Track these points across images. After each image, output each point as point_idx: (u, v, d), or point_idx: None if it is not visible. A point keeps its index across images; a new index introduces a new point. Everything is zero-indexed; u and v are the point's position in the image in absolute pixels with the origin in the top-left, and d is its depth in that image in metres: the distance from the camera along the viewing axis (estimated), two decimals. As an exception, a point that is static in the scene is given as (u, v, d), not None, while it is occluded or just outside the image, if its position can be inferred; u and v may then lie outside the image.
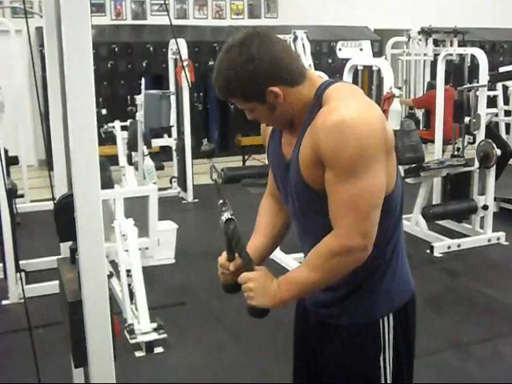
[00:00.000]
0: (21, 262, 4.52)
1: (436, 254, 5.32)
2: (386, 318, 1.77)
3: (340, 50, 6.03)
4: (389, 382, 1.80)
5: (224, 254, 1.85)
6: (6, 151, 5.36)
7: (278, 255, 5.16)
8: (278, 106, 1.66)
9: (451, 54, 6.12)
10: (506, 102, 8.92)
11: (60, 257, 2.16)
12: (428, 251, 5.35)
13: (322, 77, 1.82)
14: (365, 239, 1.60)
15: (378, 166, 1.59)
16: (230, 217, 1.76)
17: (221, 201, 1.80)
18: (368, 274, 1.75)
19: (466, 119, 5.71)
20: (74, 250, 1.92)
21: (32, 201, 6.58)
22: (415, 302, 1.86)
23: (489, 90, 6.12)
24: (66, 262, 2.04)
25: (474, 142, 5.63)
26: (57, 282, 2.13)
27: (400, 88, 9.17)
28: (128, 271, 3.94)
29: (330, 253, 1.62)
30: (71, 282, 1.89)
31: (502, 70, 6.86)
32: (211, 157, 1.93)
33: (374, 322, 1.77)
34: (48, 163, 2.71)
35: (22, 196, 6.43)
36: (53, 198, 2.22)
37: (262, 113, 1.69)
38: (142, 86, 6.25)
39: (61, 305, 2.01)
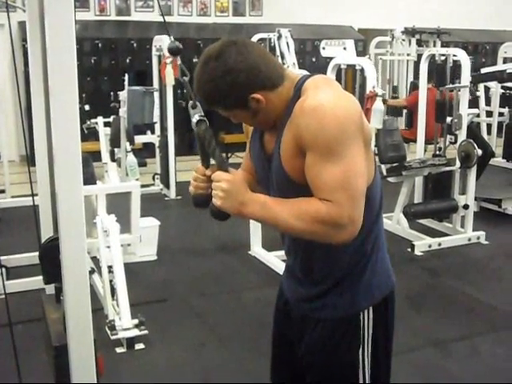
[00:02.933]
0: (1, 258, 4.49)
1: (417, 252, 5.36)
2: (366, 312, 1.80)
3: (324, 48, 6.06)
4: (367, 375, 1.82)
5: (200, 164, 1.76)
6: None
7: (260, 252, 5.18)
8: (261, 110, 1.68)
9: (434, 55, 6.16)
10: (488, 103, 9.00)
11: (45, 294, 2.14)
12: (409, 250, 5.39)
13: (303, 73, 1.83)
14: (352, 224, 1.58)
15: (357, 149, 1.60)
16: (200, 118, 1.70)
17: (190, 102, 1.72)
18: (349, 268, 1.78)
19: (448, 119, 5.76)
20: (59, 289, 1.90)
21: (13, 196, 6.53)
22: (394, 297, 1.89)
23: (471, 90, 6.18)
24: (51, 300, 2.02)
25: (455, 141, 5.68)
26: (37, 278, 2.13)
27: (395, 87, 9.20)
28: (110, 267, 3.93)
29: (318, 217, 1.57)
30: (56, 324, 1.88)
31: (483, 70, 6.91)
32: (177, 55, 1.84)
33: (354, 315, 1.80)
34: (27, 159, 2.71)
35: (2, 192, 6.39)
36: (32, 194, 2.21)
37: (246, 118, 1.72)
38: (126, 82, 6.24)
39: (46, 346, 2.00)
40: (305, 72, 4.17)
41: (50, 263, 1.85)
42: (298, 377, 1.96)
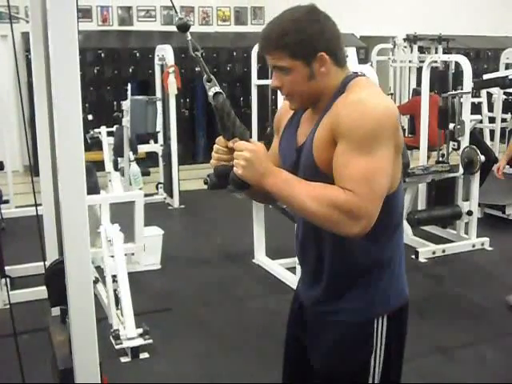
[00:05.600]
0: (6, 268, 4.50)
1: (421, 259, 5.35)
2: (380, 319, 1.79)
3: (326, 56, 6.06)
4: (376, 382, 1.81)
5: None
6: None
7: (263, 261, 5.18)
8: (317, 76, 1.69)
9: (436, 61, 6.17)
10: (491, 109, 9.01)
11: (51, 315, 2.14)
12: (413, 257, 5.38)
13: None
14: (367, 219, 1.58)
15: (388, 151, 1.61)
16: (217, 90, 1.68)
17: (205, 76, 1.70)
18: (364, 273, 1.77)
19: (451, 126, 5.76)
20: (64, 311, 1.90)
21: (17, 206, 6.54)
22: (408, 309, 1.89)
23: (473, 96, 6.18)
24: (57, 321, 2.02)
25: (458, 148, 5.67)
26: (42, 288, 2.13)
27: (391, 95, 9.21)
28: (114, 277, 3.93)
29: (336, 202, 1.57)
30: (62, 346, 1.88)
31: (486, 77, 6.91)
32: (185, 31, 1.76)
33: (368, 322, 1.79)
34: (31, 169, 2.72)
35: (7, 202, 6.40)
36: (35, 204, 2.22)
37: (297, 78, 1.70)
38: (129, 92, 6.25)
39: (52, 369, 2.00)
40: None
41: (56, 286, 1.85)
42: (309, 380, 1.96)
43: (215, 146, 1.73)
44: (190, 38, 1.75)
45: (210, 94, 1.68)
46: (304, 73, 1.69)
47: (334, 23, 1.72)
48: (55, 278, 1.88)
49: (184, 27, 1.77)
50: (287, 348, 2.07)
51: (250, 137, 1.69)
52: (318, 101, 1.74)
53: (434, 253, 5.45)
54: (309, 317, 1.92)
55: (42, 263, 2.19)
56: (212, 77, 1.70)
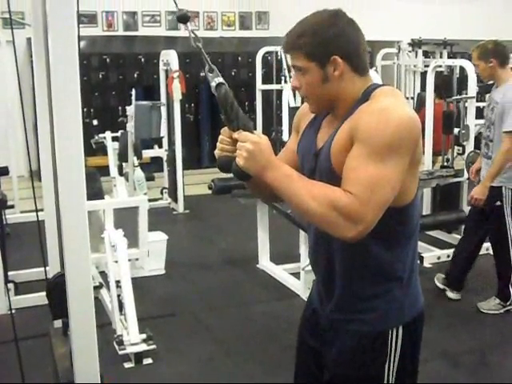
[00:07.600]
0: (10, 273, 4.50)
1: (426, 264, 5.33)
2: (394, 330, 1.77)
3: (330, 61, 6.06)
4: None
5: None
6: (-5, 162, 5.35)
7: (268, 266, 5.17)
8: (331, 80, 1.69)
9: (441, 66, 6.16)
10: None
11: (53, 327, 2.14)
12: (418, 262, 5.33)
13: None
14: (364, 225, 1.57)
15: (401, 164, 1.60)
16: (220, 81, 1.67)
17: (207, 67, 1.68)
18: (379, 279, 1.76)
19: (456, 130, 5.74)
20: (66, 324, 1.91)
21: (22, 211, 6.55)
22: (423, 319, 1.87)
23: (478, 101, 6.16)
24: (58, 333, 2.02)
25: (463, 152, 5.66)
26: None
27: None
28: (117, 282, 3.93)
29: (336, 204, 1.56)
30: (63, 359, 1.88)
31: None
32: (186, 22, 1.74)
33: (382, 332, 1.77)
34: (31, 174, 2.73)
35: (12, 207, 6.40)
36: (36, 210, 2.22)
37: (312, 80, 1.71)
38: (133, 97, 6.26)
39: (53, 381, 2.00)
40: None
41: (57, 299, 1.86)
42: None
43: (220, 137, 1.72)
44: (190, 28, 1.73)
45: (213, 84, 1.67)
46: (318, 75, 1.69)
47: (356, 30, 1.72)
48: (57, 290, 1.88)
49: (184, 18, 1.76)
50: (299, 355, 2.04)
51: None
52: (334, 105, 1.74)
53: (438, 258, 5.42)
54: (322, 324, 1.90)
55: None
56: (214, 67, 1.69)
